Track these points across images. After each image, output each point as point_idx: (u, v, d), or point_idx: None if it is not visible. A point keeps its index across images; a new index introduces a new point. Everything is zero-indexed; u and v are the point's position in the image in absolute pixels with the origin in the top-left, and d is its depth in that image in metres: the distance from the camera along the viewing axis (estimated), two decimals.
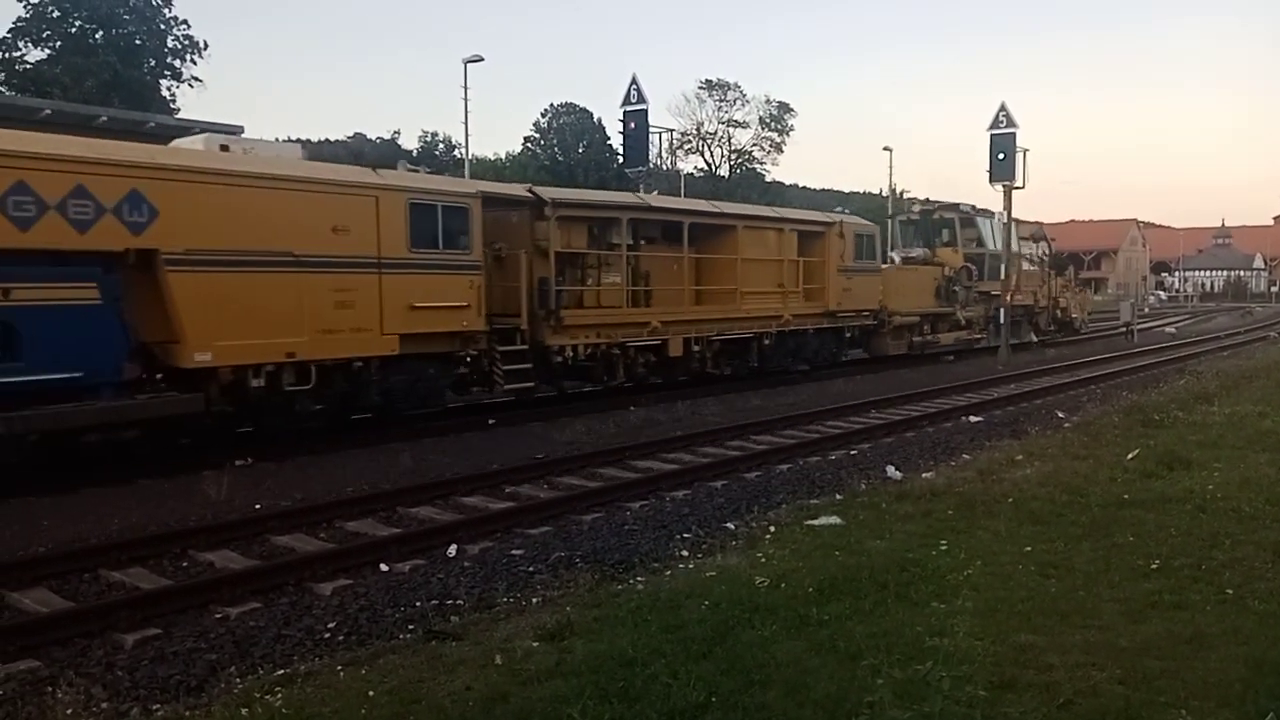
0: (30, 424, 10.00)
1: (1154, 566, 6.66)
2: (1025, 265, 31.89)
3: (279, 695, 5.11)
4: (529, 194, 16.38)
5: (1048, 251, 34.18)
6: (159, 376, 11.15)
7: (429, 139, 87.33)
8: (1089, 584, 6.34)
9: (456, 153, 78.43)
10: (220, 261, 11.43)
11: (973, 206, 30.10)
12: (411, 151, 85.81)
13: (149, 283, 10.98)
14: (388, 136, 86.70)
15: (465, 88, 36.47)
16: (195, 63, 46.97)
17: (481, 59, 35.74)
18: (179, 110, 43.05)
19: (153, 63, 45.35)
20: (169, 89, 46.04)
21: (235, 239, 11.57)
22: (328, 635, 6.49)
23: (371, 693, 5.09)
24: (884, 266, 25.47)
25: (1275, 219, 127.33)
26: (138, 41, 44.54)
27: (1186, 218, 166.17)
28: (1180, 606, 5.87)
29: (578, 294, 17.36)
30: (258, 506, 9.78)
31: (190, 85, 47.14)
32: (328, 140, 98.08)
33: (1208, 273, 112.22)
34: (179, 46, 46.32)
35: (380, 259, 13.11)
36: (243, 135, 12.95)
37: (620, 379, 17.74)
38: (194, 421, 11.72)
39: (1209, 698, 4.56)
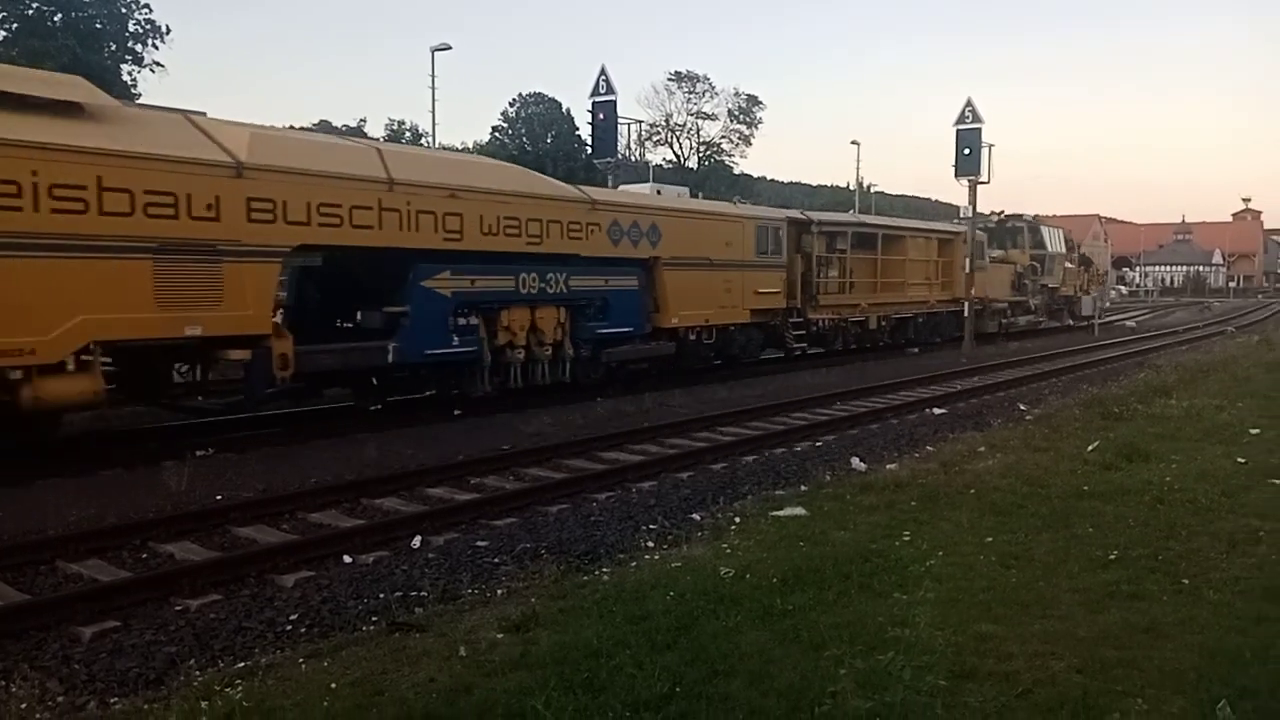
0: (612, 355, 17.61)
1: (1112, 557, 6.75)
2: (1066, 264, 39.27)
3: (239, 688, 5.05)
4: (803, 216, 24.29)
5: (1078, 251, 42.97)
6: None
7: (395, 127, 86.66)
8: (1048, 574, 6.42)
9: (423, 141, 77.88)
10: (682, 264, 18.99)
11: (1035, 216, 38.55)
12: (377, 140, 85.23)
13: (653, 277, 18.48)
14: (353, 124, 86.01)
15: (433, 76, 36.41)
16: (157, 47, 46.32)
17: (449, 47, 35.50)
18: (140, 96, 42.39)
19: (113, 47, 44.62)
20: (130, 74, 45.36)
21: (687, 250, 19.16)
22: (289, 627, 6.43)
23: (334, 685, 5.05)
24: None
25: (1234, 216, 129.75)
26: (98, 25, 43.77)
27: (1148, 213, 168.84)
28: (1137, 596, 5.96)
29: (823, 284, 24.21)
30: (219, 497, 9.66)
31: (152, 70, 46.46)
32: (293, 127, 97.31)
33: (1168, 268, 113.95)
34: (140, 31, 45.60)
35: (744, 262, 20.68)
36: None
37: (843, 345, 25.41)
38: (665, 360, 19.25)
39: (1164, 686, 4.63)
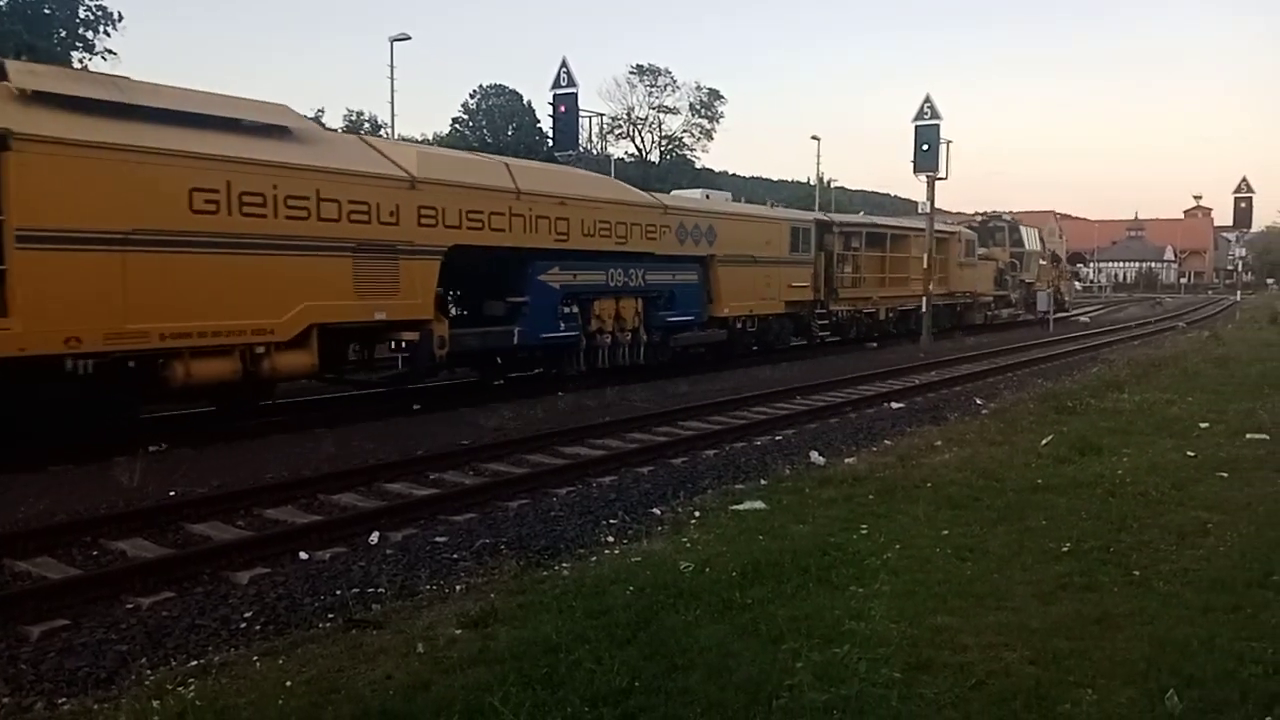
0: (678, 340, 20.35)
1: (1065, 549, 6.85)
2: (1040, 261, 43.33)
3: (192, 687, 4.98)
4: (826, 218, 27.96)
5: (1053, 248, 47.51)
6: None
7: (354, 118, 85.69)
8: (1003, 566, 6.50)
9: (382, 133, 77.10)
10: (732, 261, 21.80)
11: (1013, 215, 42.63)
12: (337, 131, 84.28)
13: (708, 272, 21.20)
14: (311, 115, 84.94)
15: (391, 66, 35.83)
16: (109, 34, 45.35)
17: (408, 38, 35.19)
18: None
19: (63, 33, 43.63)
20: (81, 60, 44.31)
21: (736, 249, 21.93)
22: (244, 625, 6.35)
23: (289, 683, 4.99)
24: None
25: (1185, 213, 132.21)
26: (46, 11, 42.78)
27: (1102, 210, 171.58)
28: (1089, 588, 6.06)
29: (842, 279, 27.01)
30: (172, 493, 9.51)
31: (104, 58, 45.47)
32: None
33: (1121, 264, 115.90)
34: (91, 17, 44.63)
35: (780, 259, 23.49)
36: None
37: (857, 334, 28.19)
38: (718, 345, 22.27)
39: (1115, 676, 4.71)
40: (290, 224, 12.63)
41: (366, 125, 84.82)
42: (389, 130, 39.45)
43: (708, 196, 23.40)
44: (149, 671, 5.49)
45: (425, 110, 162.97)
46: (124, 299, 11.12)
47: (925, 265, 28.25)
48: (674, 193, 23.40)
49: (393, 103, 36.05)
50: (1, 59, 11.51)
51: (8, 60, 11.57)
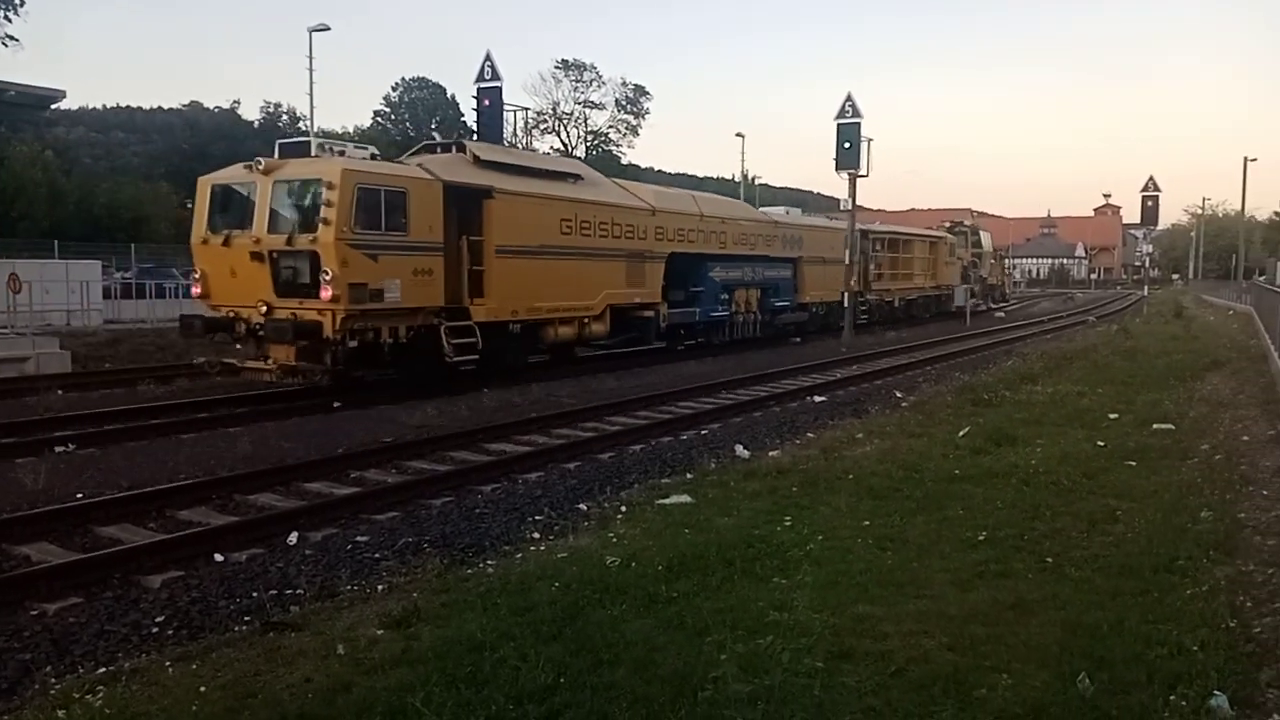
0: (780, 320, 28.17)
1: (981, 538, 7.02)
2: (991, 260, 51.52)
3: (100, 695, 4.82)
4: (866, 228, 34.02)
5: (993, 248, 54.19)
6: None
7: (271, 110, 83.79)
8: (922, 555, 6.63)
9: (301, 125, 75.49)
10: (811, 260, 29.43)
11: (974, 215, 53.76)
12: (253, 123, 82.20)
13: (797, 269, 28.69)
14: (226, 106, 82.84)
15: (310, 57, 35.01)
16: (10, 20, 43.56)
17: (328, 28, 34.43)
18: None
19: None
20: None
21: (815, 251, 29.56)
22: (156, 630, 6.16)
23: (203, 688, 4.85)
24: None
25: (1096, 211, 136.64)
26: None
27: (1016, 208, 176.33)
28: (1005, 575, 6.21)
29: (874, 275, 34.64)
30: (79, 496, 9.15)
31: (4, 44, 43.70)
32: (160, 109, 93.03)
33: (1034, 260, 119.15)
34: None
35: (839, 259, 29.39)
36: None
37: (882, 318, 35.22)
38: (803, 324, 29.85)
39: (1029, 660, 4.83)
40: (600, 240, 20.02)
41: (285, 117, 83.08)
42: (308, 123, 38.58)
43: (787, 212, 30.87)
44: (54, 680, 5.29)
45: (346, 103, 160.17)
46: (533, 288, 18.08)
47: (846, 262, 28.68)
48: (763, 209, 30.44)
49: (311, 95, 35.24)
50: (463, 140, 19.84)
51: (466, 141, 19.72)
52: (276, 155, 15.62)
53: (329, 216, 14.25)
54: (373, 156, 16.15)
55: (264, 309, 14.68)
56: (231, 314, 15.14)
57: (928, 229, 44.43)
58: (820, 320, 30.26)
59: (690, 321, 23.76)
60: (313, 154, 15.49)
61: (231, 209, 15.56)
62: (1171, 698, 4.36)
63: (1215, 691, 4.35)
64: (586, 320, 19.71)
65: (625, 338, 22.13)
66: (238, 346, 15.84)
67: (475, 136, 27.37)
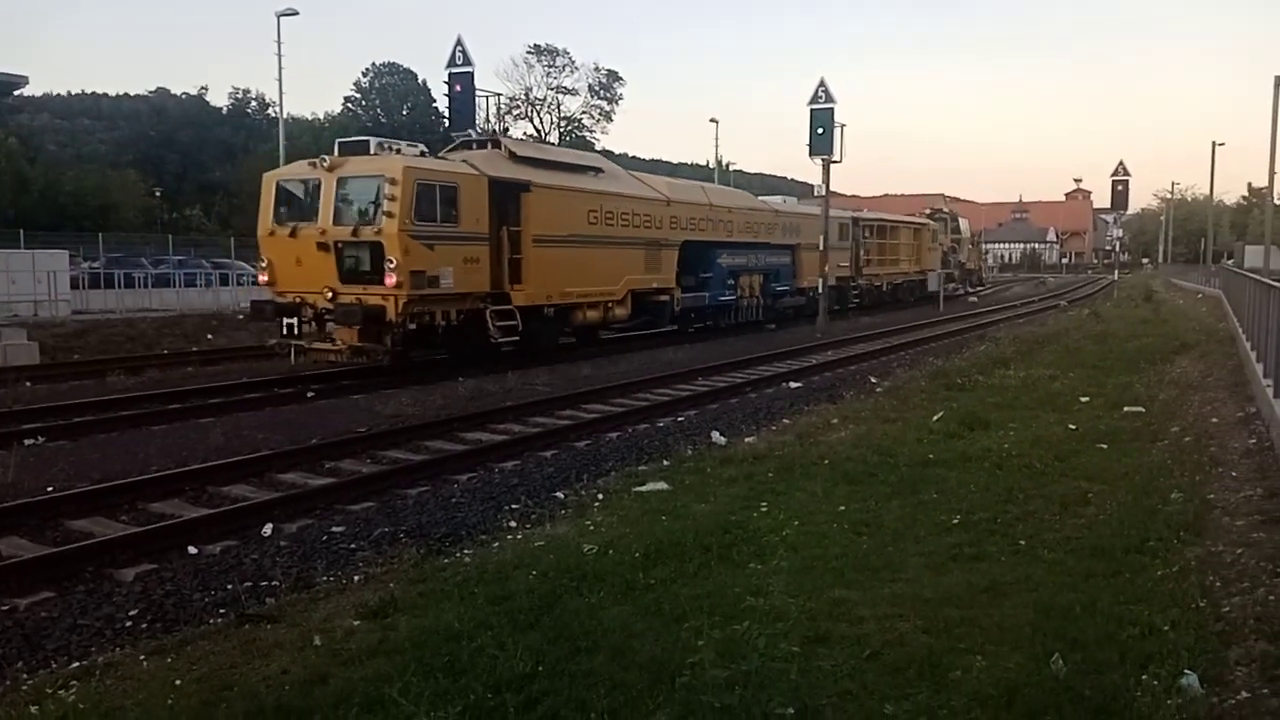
0: (780, 303, 29.73)
1: (955, 521, 7.08)
2: (970, 246, 53.81)
3: (73, 690, 4.78)
4: (857, 215, 36.34)
5: (971, 233, 56.81)
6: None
7: (240, 96, 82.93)
8: (897, 540, 6.68)
9: (271, 111, 74.72)
10: (808, 247, 29.64)
11: (947, 200, 57.47)
12: (221, 109, 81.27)
13: (795, 255, 30.33)
14: (194, 92, 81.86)
15: (279, 43, 34.49)
16: None
17: (296, 13, 33.88)
18: None
19: None
20: None
21: (810, 239, 29.05)
22: (129, 624, 6.11)
23: (178, 682, 4.82)
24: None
25: (1067, 196, 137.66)
26: None
27: (989, 193, 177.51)
28: (978, 558, 6.26)
29: (864, 261, 36.36)
30: (50, 489, 9.05)
31: None
32: (126, 95, 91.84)
33: (1006, 245, 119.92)
34: None
35: (835, 246, 30.05)
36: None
37: (870, 301, 36.88)
38: (801, 306, 30.64)
39: (1003, 642, 4.88)
40: (622, 230, 21.53)
41: (254, 104, 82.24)
42: (277, 109, 38.04)
43: (784, 201, 33.13)
44: (26, 675, 5.25)
45: (316, 89, 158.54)
46: (564, 275, 19.55)
47: (821, 248, 28.73)
48: (762, 198, 32.24)
49: (280, 81, 34.78)
50: (498, 136, 21.98)
51: (502, 137, 22.03)
52: (336, 153, 16.82)
53: (392, 210, 15.51)
54: (421, 154, 17.34)
55: (329, 295, 15.86)
56: (297, 299, 16.24)
57: (910, 215, 45.50)
58: (815, 304, 30.77)
59: (701, 305, 25.27)
60: (371, 152, 16.69)
61: (295, 203, 16.77)
62: (1143, 677, 4.42)
63: (1186, 670, 4.41)
64: (610, 304, 21.38)
65: (641, 321, 23.70)
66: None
67: (447, 122, 27.17)
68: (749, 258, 27.58)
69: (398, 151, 16.85)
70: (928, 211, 49.81)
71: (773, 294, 29.10)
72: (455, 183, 16.76)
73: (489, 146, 19.69)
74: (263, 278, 17.29)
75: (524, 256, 18.35)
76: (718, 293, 25.87)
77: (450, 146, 20.29)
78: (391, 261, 15.44)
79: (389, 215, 15.52)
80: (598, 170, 22.18)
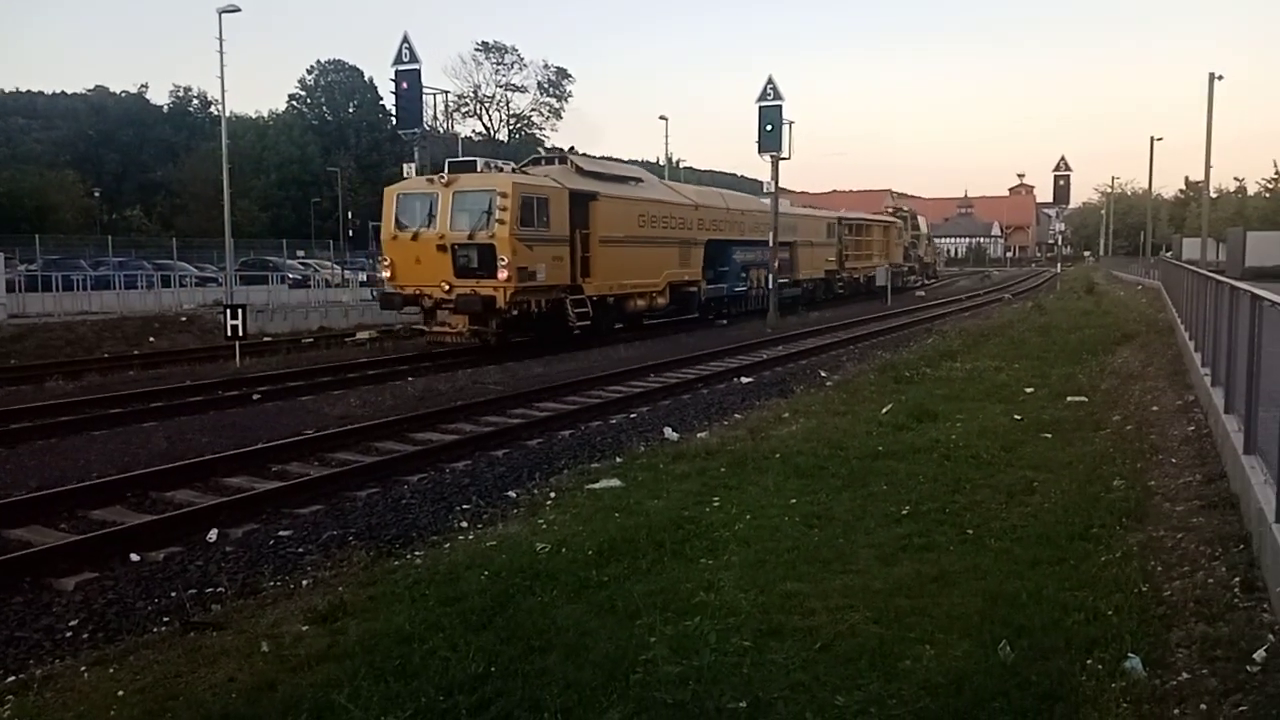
0: (781, 294, 29.63)
1: (905, 512, 7.15)
2: (927, 242, 60.50)
3: (9, 705, 4.65)
4: (839, 215, 40.83)
5: (927, 230, 62.91)
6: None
7: (181, 94, 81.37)
8: (848, 532, 6.73)
9: (213, 109, 73.44)
10: (804, 244, 35.26)
11: (894, 196, 66.60)
12: (162, 107, 79.65)
13: (793, 251, 33.74)
14: (134, 90, 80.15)
15: (220, 40, 33.85)
16: None
17: (238, 9, 33.28)
18: None
19: None
20: None
21: (805, 236, 35.42)
22: (70, 634, 5.97)
23: (121, 692, 4.72)
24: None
25: (1010, 190, 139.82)
26: None
27: (935, 189, 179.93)
28: (928, 548, 6.34)
29: (845, 256, 40.25)
30: None
31: None
32: (64, 93, 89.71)
33: (952, 239, 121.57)
34: None
35: (823, 243, 37.20)
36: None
37: (850, 292, 40.72)
38: (800, 296, 35.06)
39: (952, 630, 4.94)
40: (662, 231, 25.43)
41: (195, 102, 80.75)
42: (220, 107, 37.33)
43: (791, 203, 37.98)
44: None
45: (260, 86, 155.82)
46: (620, 270, 23.27)
47: (771, 244, 28.92)
48: (765, 200, 33.54)
49: (222, 78, 34.11)
50: (565, 153, 26.58)
51: (569, 154, 25.76)
52: (447, 172, 20.46)
53: (503, 218, 19.26)
54: (511, 170, 21.12)
55: (445, 287, 19.57)
56: (416, 291, 20.07)
57: (876, 214, 49.68)
58: (809, 294, 35.92)
59: (720, 295, 29.08)
60: (479, 169, 20.57)
61: (413, 212, 20.41)
62: (1088, 662, 4.50)
63: (1129, 654, 4.50)
64: (654, 295, 25.14)
65: (674, 309, 27.27)
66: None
67: (394, 120, 26.98)
68: (758, 254, 30.50)
69: (500, 169, 20.88)
70: (890, 210, 53.52)
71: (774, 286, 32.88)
72: (547, 195, 20.60)
73: (557, 163, 23.83)
74: (385, 274, 21.20)
75: (592, 254, 22.14)
76: (733, 284, 29.57)
77: (524, 162, 24.06)
78: (503, 259, 19.15)
79: (501, 222, 19.24)
80: (637, 180, 26.14)
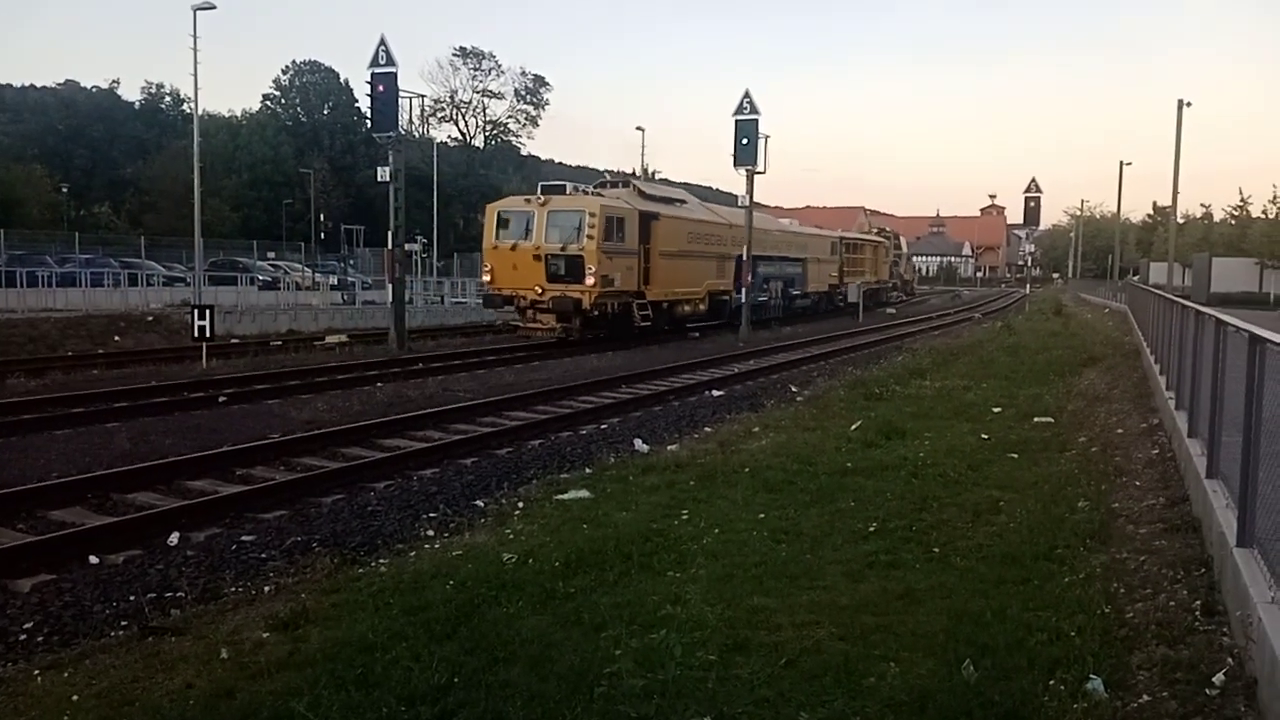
0: (794, 303, 37.55)
1: (872, 529, 7.18)
2: (907, 261, 64.60)
3: None
4: (842, 235, 47.11)
5: (906, 249, 66.08)
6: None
7: (153, 91, 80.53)
8: (815, 547, 6.75)
9: (185, 107, 72.69)
10: (814, 260, 39.98)
11: (868, 214, 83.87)
12: (134, 104, 78.80)
13: (804, 266, 38.66)
14: (105, 86, 79.25)
15: (195, 36, 33.46)
16: None
17: (213, 6, 32.96)
18: None
19: None
20: None
21: (815, 254, 40.36)
22: (24, 637, 5.85)
23: (75, 697, 4.64)
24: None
25: (982, 211, 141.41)
26: None
27: (907, 207, 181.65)
28: (894, 565, 6.36)
29: (845, 272, 44.18)
30: None
31: None
32: (32, 86, 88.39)
33: (924, 258, 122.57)
34: None
35: (828, 259, 42.23)
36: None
37: (846, 306, 42.67)
38: (809, 307, 40.05)
39: (916, 648, 4.95)
40: (704, 246, 29.31)
41: (168, 99, 79.94)
42: (192, 105, 36.90)
43: (791, 223, 41.34)
44: None
45: (234, 85, 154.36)
46: (674, 279, 27.25)
47: (745, 257, 29.04)
48: (782, 221, 40.48)
49: (196, 76, 33.69)
50: (629, 178, 33.90)
51: (633, 178, 35.32)
52: (539, 194, 24.69)
53: (591, 234, 23.43)
54: (586, 192, 25.61)
55: (538, 290, 23.67)
56: (512, 293, 24.28)
57: (865, 233, 54.99)
58: (815, 306, 40.30)
59: (751, 303, 31.91)
60: (567, 192, 24.85)
61: (511, 226, 24.49)
62: (1051, 682, 4.52)
63: (1091, 675, 4.53)
64: (696, 302, 28.93)
65: (711, 315, 30.48)
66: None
67: (369, 123, 26.76)
68: (777, 267, 34.96)
69: (586, 192, 25.65)
70: (877, 230, 58.62)
71: (790, 297, 36.72)
72: (623, 215, 24.98)
73: (621, 186, 28.51)
74: (485, 278, 25.16)
75: (653, 265, 26.20)
76: (757, 294, 32.20)
77: (594, 185, 28.10)
78: (590, 268, 23.27)
79: (590, 237, 23.38)
80: (682, 201, 30.52)
